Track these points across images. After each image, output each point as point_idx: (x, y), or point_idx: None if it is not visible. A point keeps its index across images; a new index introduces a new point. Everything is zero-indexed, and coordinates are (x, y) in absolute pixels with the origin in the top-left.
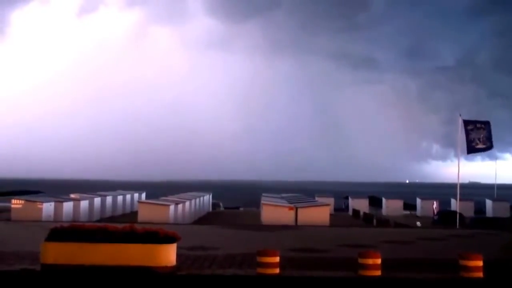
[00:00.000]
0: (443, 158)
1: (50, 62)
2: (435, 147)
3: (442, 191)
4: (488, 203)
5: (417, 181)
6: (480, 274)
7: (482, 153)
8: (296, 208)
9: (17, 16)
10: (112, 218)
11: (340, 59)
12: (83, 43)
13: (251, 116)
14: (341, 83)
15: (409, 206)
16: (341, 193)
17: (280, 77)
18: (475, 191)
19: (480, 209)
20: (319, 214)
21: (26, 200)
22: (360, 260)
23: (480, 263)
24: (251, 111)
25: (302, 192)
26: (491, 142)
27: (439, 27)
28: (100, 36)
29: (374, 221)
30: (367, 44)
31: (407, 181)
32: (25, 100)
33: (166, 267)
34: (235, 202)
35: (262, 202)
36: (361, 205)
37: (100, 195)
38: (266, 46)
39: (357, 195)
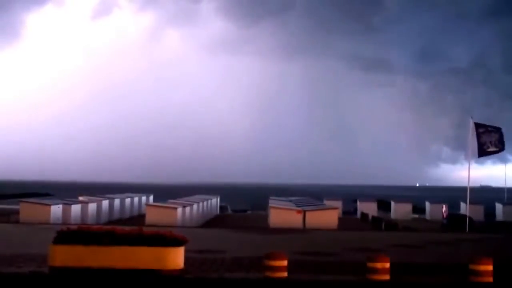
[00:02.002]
0: (453, 161)
1: (64, 65)
2: (446, 150)
3: (452, 194)
4: (498, 206)
5: (427, 184)
6: (490, 279)
7: (493, 155)
8: (304, 211)
9: (32, 19)
10: (120, 221)
11: (352, 62)
12: (97, 46)
13: (262, 119)
14: (353, 86)
15: (418, 209)
16: (349, 196)
17: (292, 79)
18: (486, 195)
19: (490, 213)
20: (327, 217)
21: (35, 203)
22: (369, 264)
23: (490, 267)
24: (262, 114)
25: (310, 195)
26: (503, 144)
27: (452, 29)
28: (114, 38)
29: (383, 224)
30: (380, 46)
31: (417, 185)
32: (36, 102)
33: (174, 270)
34: (243, 205)
35: (270, 205)
36: (370, 208)
37: (108, 198)
38: (279, 49)
39: (366, 198)
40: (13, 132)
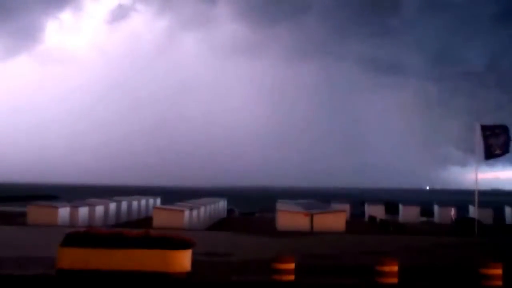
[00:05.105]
0: (463, 164)
1: (80, 68)
2: (456, 153)
3: (462, 197)
4: (508, 210)
5: (437, 187)
6: (500, 283)
7: (500, 158)
8: (312, 214)
9: (51, 23)
10: (127, 224)
11: (366, 64)
12: (113, 49)
13: (273, 121)
14: (365, 88)
15: (427, 212)
16: (357, 199)
17: (305, 82)
18: (497, 198)
19: (500, 216)
20: (334, 220)
21: (42, 205)
22: (377, 267)
23: (499, 271)
24: (274, 116)
25: (318, 198)
26: (507, 147)
27: (466, 33)
28: (131, 42)
29: (391, 227)
30: (394, 49)
31: (427, 188)
32: (50, 105)
33: (181, 273)
34: (250, 208)
35: (277, 208)
36: (377, 211)
37: (115, 200)
38: (293, 51)
39: (373, 201)
40: (21, 134)
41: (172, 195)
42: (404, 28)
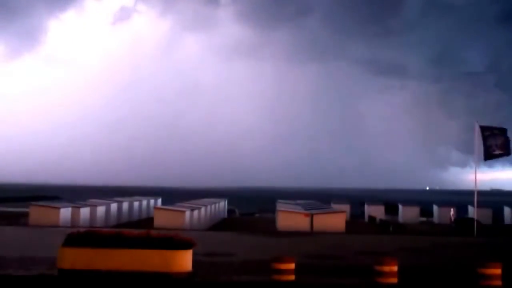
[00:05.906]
0: (463, 164)
1: (83, 69)
2: (455, 153)
3: (462, 198)
4: (507, 210)
5: (437, 188)
6: (499, 282)
7: (500, 159)
8: (312, 215)
9: (53, 24)
10: (128, 224)
11: (367, 66)
12: (116, 51)
13: (274, 123)
14: (365, 90)
15: (426, 213)
16: (357, 199)
17: (307, 83)
18: (496, 198)
19: (499, 216)
20: (334, 220)
21: (44, 206)
22: (376, 267)
23: (498, 271)
24: (274, 118)
25: (318, 199)
26: (508, 148)
27: (467, 34)
28: (133, 43)
29: (390, 228)
30: (395, 50)
31: (427, 188)
32: (52, 105)
33: (182, 273)
34: (250, 208)
35: (277, 208)
36: (377, 211)
37: (116, 201)
38: (295, 53)
39: (373, 201)
40: (23, 134)
41: (173, 196)
42: (405, 29)
